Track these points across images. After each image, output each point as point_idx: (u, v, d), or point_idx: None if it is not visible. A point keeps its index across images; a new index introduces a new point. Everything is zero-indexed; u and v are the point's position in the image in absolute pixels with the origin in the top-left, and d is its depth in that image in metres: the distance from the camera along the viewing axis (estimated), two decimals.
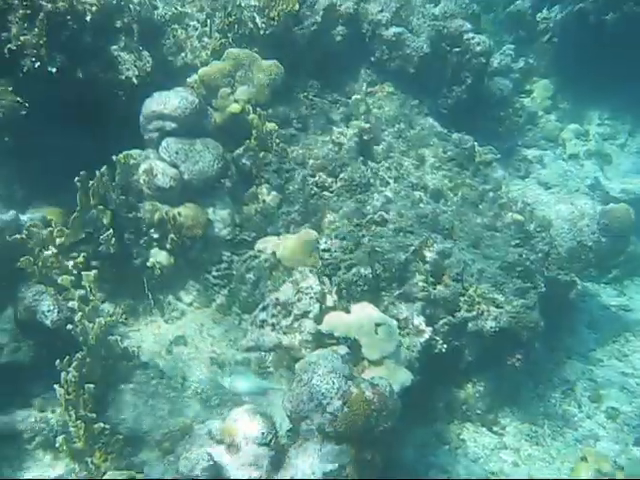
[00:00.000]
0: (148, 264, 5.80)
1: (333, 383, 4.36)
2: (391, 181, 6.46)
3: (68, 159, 6.03)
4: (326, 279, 5.18)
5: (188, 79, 6.37)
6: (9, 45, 5.25)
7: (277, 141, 6.04)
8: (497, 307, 5.95)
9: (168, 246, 5.78)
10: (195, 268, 6.06)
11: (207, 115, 6.04)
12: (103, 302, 5.55)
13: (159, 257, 5.81)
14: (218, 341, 5.79)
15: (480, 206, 6.86)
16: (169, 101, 5.78)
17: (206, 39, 6.77)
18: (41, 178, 7.01)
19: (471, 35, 7.93)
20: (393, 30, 7.52)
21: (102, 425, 4.90)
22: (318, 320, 4.92)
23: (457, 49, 7.85)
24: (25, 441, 5.48)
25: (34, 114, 5.80)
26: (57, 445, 4.86)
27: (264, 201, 6.10)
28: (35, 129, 5.99)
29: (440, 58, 7.89)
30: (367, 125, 6.31)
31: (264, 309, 5.10)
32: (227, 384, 5.00)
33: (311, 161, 6.02)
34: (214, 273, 6.05)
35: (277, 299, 5.03)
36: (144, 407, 5.49)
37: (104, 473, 4.85)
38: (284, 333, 4.97)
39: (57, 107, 5.78)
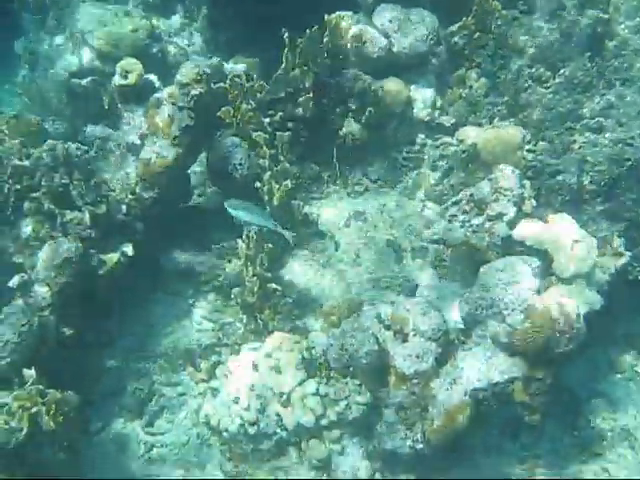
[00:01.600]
0: (340, 133, 5.61)
1: (518, 294, 4.07)
2: (617, 83, 5.66)
3: (274, 10, 5.85)
4: (527, 182, 4.74)
5: None
6: None
7: (498, 22, 5.43)
8: None
9: (363, 119, 5.52)
10: (386, 145, 5.81)
11: None
12: (291, 164, 5.45)
13: (352, 128, 5.61)
14: (398, 225, 5.59)
15: None
16: None
17: None
18: (245, 26, 6.94)
19: None
20: None
21: (274, 286, 4.96)
22: (511, 225, 4.55)
23: None
24: (201, 283, 5.69)
25: None
26: (232, 296, 4.99)
27: (471, 87, 5.62)
28: None
29: None
30: (606, 16, 5.48)
31: (456, 203, 4.80)
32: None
33: (531, 50, 5.38)
34: (404, 154, 5.77)
35: (471, 195, 4.69)
36: (314, 275, 5.50)
37: (271, 331, 4.96)
38: (473, 232, 4.66)
39: None
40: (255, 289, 4.88)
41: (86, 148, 5.36)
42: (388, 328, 4.52)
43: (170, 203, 5.51)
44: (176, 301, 5.77)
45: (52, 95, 6.87)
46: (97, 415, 5.16)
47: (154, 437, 5.17)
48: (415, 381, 4.22)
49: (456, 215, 4.76)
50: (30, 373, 4.36)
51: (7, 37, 9.59)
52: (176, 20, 7.48)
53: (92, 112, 6.47)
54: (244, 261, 4.88)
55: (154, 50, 6.92)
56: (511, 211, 4.57)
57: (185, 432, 5.15)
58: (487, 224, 4.63)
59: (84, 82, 6.48)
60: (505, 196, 4.58)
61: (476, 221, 4.67)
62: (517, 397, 4.05)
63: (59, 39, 7.44)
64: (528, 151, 5.07)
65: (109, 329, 5.53)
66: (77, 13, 7.20)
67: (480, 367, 4.14)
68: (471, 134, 5.19)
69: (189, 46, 7.39)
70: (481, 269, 4.38)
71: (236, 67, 6.41)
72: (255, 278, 4.84)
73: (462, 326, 4.45)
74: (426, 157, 5.72)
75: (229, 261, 5.70)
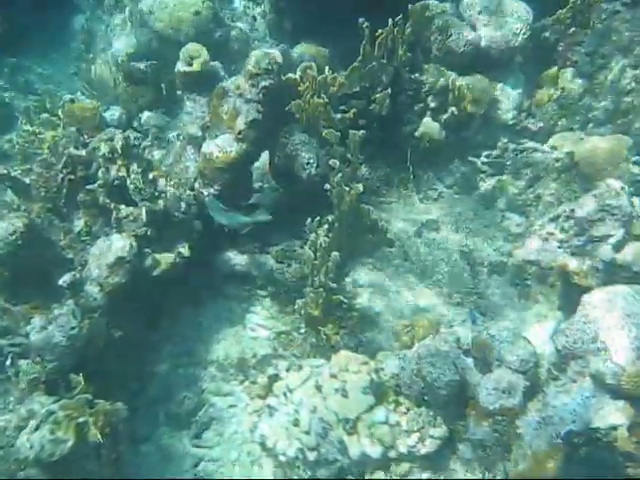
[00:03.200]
0: (416, 134, 5.14)
1: (630, 331, 3.57)
2: None
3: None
4: (636, 199, 4.21)
5: None
6: None
7: (602, 16, 4.88)
8: None
9: (443, 118, 5.04)
10: (464, 148, 5.31)
11: None
12: (361, 164, 5.00)
13: (430, 129, 5.14)
14: (474, 235, 5.11)
15: None
16: None
17: None
18: (313, 12, 6.48)
19: None
20: None
21: (340, 298, 4.55)
22: (618, 248, 4.03)
23: None
24: (257, 287, 5.31)
25: None
26: (296, 307, 4.60)
27: (563, 88, 5.08)
28: None
29: None
30: None
31: (553, 220, 4.29)
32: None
33: (637, 48, 4.82)
34: (483, 158, 5.28)
35: (572, 211, 4.18)
36: (381, 286, 5.06)
37: (336, 348, 4.55)
38: (572, 254, 4.16)
39: None
40: (320, 301, 4.44)
41: (142, 136, 4.97)
42: (468, 354, 4.05)
43: (230, 200, 5.10)
44: (230, 305, 5.39)
45: (108, 77, 6.50)
46: (142, 422, 4.79)
47: (202, 450, 4.79)
48: (499, 418, 3.76)
49: (553, 233, 4.24)
50: (78, 379, 4.06)
51: (64, 14, 9.35)
52: (239, 3, 7.03)
53: (149, 98, 6.09)
54: (309, 270, 4.44)
55: (217, 35, 6.53)
56: (619, 233, 4.03)
57: (235, 448, 4.77)
58: (589, 245, 4.11)
59: (142, 66, 6.10)
60: (613, 215, 4.05)
61: (576, 241, 4.15)
62: (620, 446, 3.56)
63: (117, 19, 7.09)
64: (634, 163, 4.51)
65: (158, 331, 5.15)
66: None
67: (576, 408, 3.64)
68: (567, 141, 4.65)
69: (252, 31, 6.95)
70: (584, 297, 3.88)
71: (304, 56, 5.97)
72: (321, 289, 4.41)
73: (555, 359, 3.95)
74: (508, 163, 5.16)
75: (288, 265, 5.27)
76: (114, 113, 6.13)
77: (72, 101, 5.60)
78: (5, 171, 4.82)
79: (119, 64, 6.17)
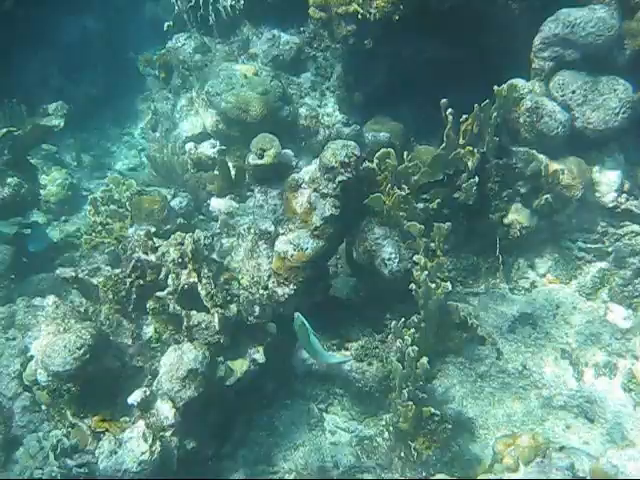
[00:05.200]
0: (505, 221, 4.72)
1: None
2: None
3: (434, 77, 5.11)
4: None
5: None
6: None
7: None
8: None
9: (535, 204, 4.60)
10: (558, 232, 4.84)
11: (621, 46, 4.55)
12: (445, 254, 4.59)
13: (521, 215, 4.75)
14: (575, 332, 4.62)
15: None
16: (579, 23, 4.41)
17: None
18: (384, 85, 6.24)
19: None
20: None
21: (432, 410, 4.11)
22: None
23: None
24: (337, 386, 4.97)
25: (407, 21, 4.85)
26: (383, 422, 4.19)
27: None
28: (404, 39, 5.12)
29: None
30: None
31: None
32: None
33: None
34: (580, 243, 4.80)
35: None
36: (472, 388, 4.62)
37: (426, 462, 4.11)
38: None
39: (435, 15, 4.75)
40: (409, 415, 4.01)
41: (211, 235, 4.72)
42: None
43: (306, 297, 4.76)
44: (308, 406, 5.00)
45: (175, 163, 6.34)
46: None
47: None
48: None
49: None
50: None
51: (129, 92, 9.41)
52: (307, 78, 6.82)
53: (218, 184, 5.88)
54: (397, 382, 4.03)
55: (284, 113, 6.30)
56: None
57: None
58: None
59: (211, 152, 5.91)
60: None
61: None
62: None
63: (183, 100, 6.96)
64: None
65: (232, 438, 4.81)
66: (204, 74, 6.68)
67: None
68: None
69: (320, 107, 6.71)
70: None
71: (379, 135, 5.69)
72: (410, 403, 3.98)
73: None
74: (610, 249, 4.67)
75: (369, 364, 4.89)
76: (182, 200, 5.94)
77: (140, 193, 5.40)
78: (73, 274, 4.62)
79: (188, 151, 5.96)
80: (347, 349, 5.05)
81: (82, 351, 4.09)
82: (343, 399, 5.07)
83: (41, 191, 6.82)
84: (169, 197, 5.97)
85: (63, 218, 7.77)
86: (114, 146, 10.13)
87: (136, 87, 9.74)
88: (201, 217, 6.13)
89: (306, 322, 4.17)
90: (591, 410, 4.44)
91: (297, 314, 4.18)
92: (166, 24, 7.87)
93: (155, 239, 4.64)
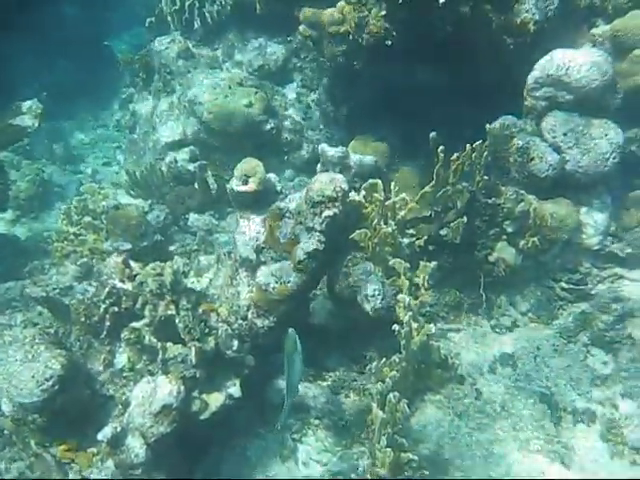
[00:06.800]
0: (490, 259, 4.66)
1: None
2: None
3: (421, 100, 5.02)
4: None
5: (593, 30, 4.78)
6: None
7: None
8: None
9: (521, 244, 4.55)
10: (541, 272, 4.80)
11: (614, 90, 4.49)
12: (427, 289, 4.52)
13: (505, 254, 4.68)
14: (555, 375, 4.59)
15: None
16: (574, 66, 4.34)
17: None
18: (370, 101, 6.14)
19: None
20: None
21: (410, 456, 4.04)
22: None
23: None
24: (311, 417, 4.88)
25: (398, 46, 4.73)
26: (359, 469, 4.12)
27: None
28: (394, 62, 5.01)
29: None
30: None
31: None
32: None
33: None
34: (563, 284, 4.78)
35: None
36: (449, 426, 4.56)
37: None
38: None
39: (428, 44, 4.63)
40: (387, 461, 3.94)
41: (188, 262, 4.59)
42: None
43: (285, 328, 4.64)
44: (281, 436, 4.90)
45: (153, 174, 6.15)
46: None
47: None
48: None
49: None
50: None
51: (108, 79, 9.14)
52: (292, 89, 6.66)
53: (198, 199, 5.72)
54: (377, 427, 3.95)
55: (268, 127, 6.15)
56: None
57: None
58: None
59: (191, 167, 5.74)
60: None
61: None
62: None
63: (164, 104, 6.75)
64: None
65: (203, 470, 4.70)
66: (187, 80, 6.48)
67: None
68: None
69: (305, 120, 6.56)
70: None
71: (364, 159, 5.57)
72: (389, 450, 3.91)
73: None
74: (593, 292, 4.64)
75: (346, 396, 4.81)
76: (159, 214, 5.76)
77: (116, 207, 5.21)
78: (43, 294, 4.45)
79: (167, 164, 5.78)
80: (324, 379, 4.93)
81: (50, 382, 3.94)
82: (317, 430, 4.95)
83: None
84: (146, 209, 5.78)
85: (32, 215, 7.50)
86: (87, 137, 9.83)
87: (112, 77, 9.46)
88: (177, 230, 5.97)
89: (299, 344, 4.02)
90: (568, 456, 4.40)
91: (292, 330, 4.03)
92: (148, 20, 7.63)
93: (132, 263, 4.47)
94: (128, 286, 4.21)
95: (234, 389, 4.33)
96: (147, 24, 7.55)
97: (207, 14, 6.53)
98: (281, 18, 6.37)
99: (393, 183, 4.71)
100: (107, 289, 4.30)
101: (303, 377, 4.47)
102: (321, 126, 6.49)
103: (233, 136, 6.12)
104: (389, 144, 6.09)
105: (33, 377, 3.90)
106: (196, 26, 6.63)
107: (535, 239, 4.42)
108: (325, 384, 4.92)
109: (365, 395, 4.76)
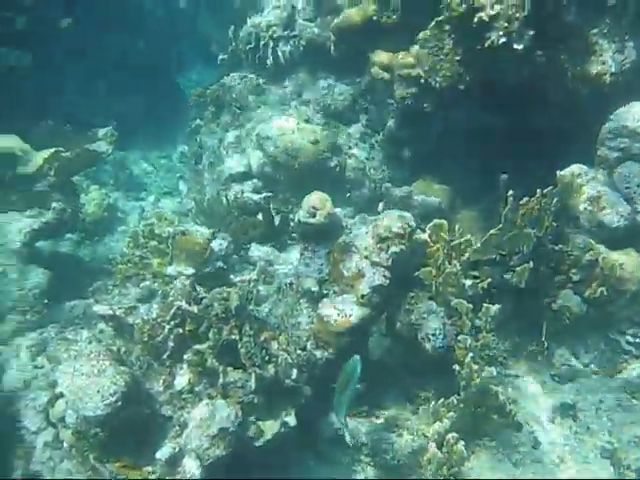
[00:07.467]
0: (554, 306, 4.60)
1: None
2: None
3: (488, 145, 5.07)
4: None
5: None
6: (480, 14, 4.19)
7: None
8: None
9: (587, 293, 4.49)
10: (607, 323, 4.71)
11: None
12: (489, 332, 4.49)
13: (570, 302, 4.61)
14: (619, 431, 4.46)
15: None
16: None
17: None
18: (434, 144, 6.21)
19: None
20: None
21: None
22: None
23: None
24: (362, 454, 4.83)
25: (470, 90, 4.80)
26: None
27: None
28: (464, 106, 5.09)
29: None
30: None
31: None
32: None
33: None
34: (629, 337, 4.66)
35: None
36: (504, 474, 4.47)
37: None
38: None
39: (500, 89, 4.69)
40: None
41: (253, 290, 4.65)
42: None
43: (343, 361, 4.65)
44: (332, 472, 4.86)
45: (219, 204, 6.30)
46: None
47: None
48: None
49: None
50: None
51: (171, 114, 9.44)
52: (357, 129, 6.79)
53: (261, 230, 5.82)
54: (433, 467, 3.91)
55: (332, 164, 6.26)
56: None
57: None
58: None
59: (257, 198, 5.86)
60: None
61: None
62: None
63: (231, 136, 6.94)
64: None
65: None
66: (256, 115, 6.67)
67: None
68: None
69: (368, 159, 6.66)
70: None
71: (428, 200, 5.62)
72: None
73: None
74: None
75: (399, 435, 4.76)
76: (222, 243, 5.86)
77: (183, 233, 5.34)
78: (110, 312, 4.56)
79: (234, 195, 5.91)
80: (377, 417, 4.90)
81: (114, 398, 4.02)
82: (367, 467, 4.90)
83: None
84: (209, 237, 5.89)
85: (96, 238, 7.71)
86: (150, 167, 10.13)
87: (178, 111, 9.77)
88: (237, 259, 6.06)
89: (359, 370, 4.03)
90: None
91: (357, 357, 4.04)
92: (220, 57, 7.90)
93: (198, 287, 4.57)
94: (194, 308, 4.28)
95: (290, 418, 4.33)
96: (219, 61, 7.81)
97: (280, 53, 6.74)
98: (351, 60, 6.53)
99: (457, 225, 4.73)
100: (173, 310, 4.37)
101: (353, 406, 4.45)
102: (384, 166, 6.55)
103: (297, 171, 6.23)
104: (452, 187, 6.12)
105: (99, 392, 3.99)
106: (268, 64, 6.83)
107: (602, 289, 4.35)
108: (378, 422, 4.84)
109: (418, 435, 4.68)
